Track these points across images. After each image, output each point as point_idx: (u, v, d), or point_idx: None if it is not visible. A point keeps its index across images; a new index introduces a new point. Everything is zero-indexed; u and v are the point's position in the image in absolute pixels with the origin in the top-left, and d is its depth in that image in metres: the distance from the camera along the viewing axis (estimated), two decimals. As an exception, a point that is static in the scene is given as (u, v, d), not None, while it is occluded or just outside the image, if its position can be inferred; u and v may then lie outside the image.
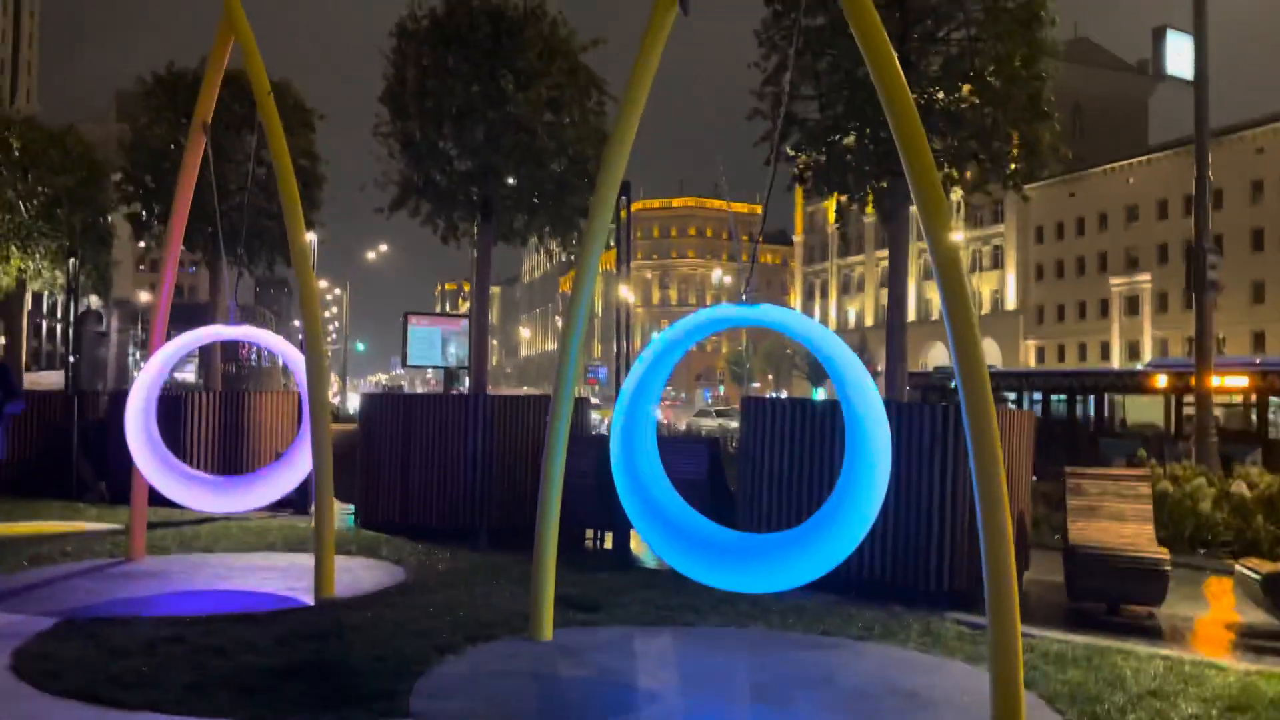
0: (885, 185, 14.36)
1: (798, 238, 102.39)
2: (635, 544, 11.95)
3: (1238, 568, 8.50)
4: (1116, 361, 67.90)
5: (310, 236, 24.58)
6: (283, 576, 9.24)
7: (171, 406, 13.72)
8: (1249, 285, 60.20)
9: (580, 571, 9.48)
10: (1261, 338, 59.47)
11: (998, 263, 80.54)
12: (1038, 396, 28.33)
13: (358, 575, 9.33)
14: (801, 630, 7.50)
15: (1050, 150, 15.39)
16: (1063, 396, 27.85)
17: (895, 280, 13.51)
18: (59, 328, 75.20)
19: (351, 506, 13.18)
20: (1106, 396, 26.90)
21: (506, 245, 16.70)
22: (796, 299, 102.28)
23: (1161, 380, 25.37)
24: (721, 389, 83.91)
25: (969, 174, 15.40)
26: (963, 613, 8.39)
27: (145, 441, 9.40)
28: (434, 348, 34.29)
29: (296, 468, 9.98)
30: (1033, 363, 75.33)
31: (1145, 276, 69.06)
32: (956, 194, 15.87)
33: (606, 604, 8.24)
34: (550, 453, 7.16)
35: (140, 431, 9.32)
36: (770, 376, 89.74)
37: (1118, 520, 9.09)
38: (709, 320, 6.36)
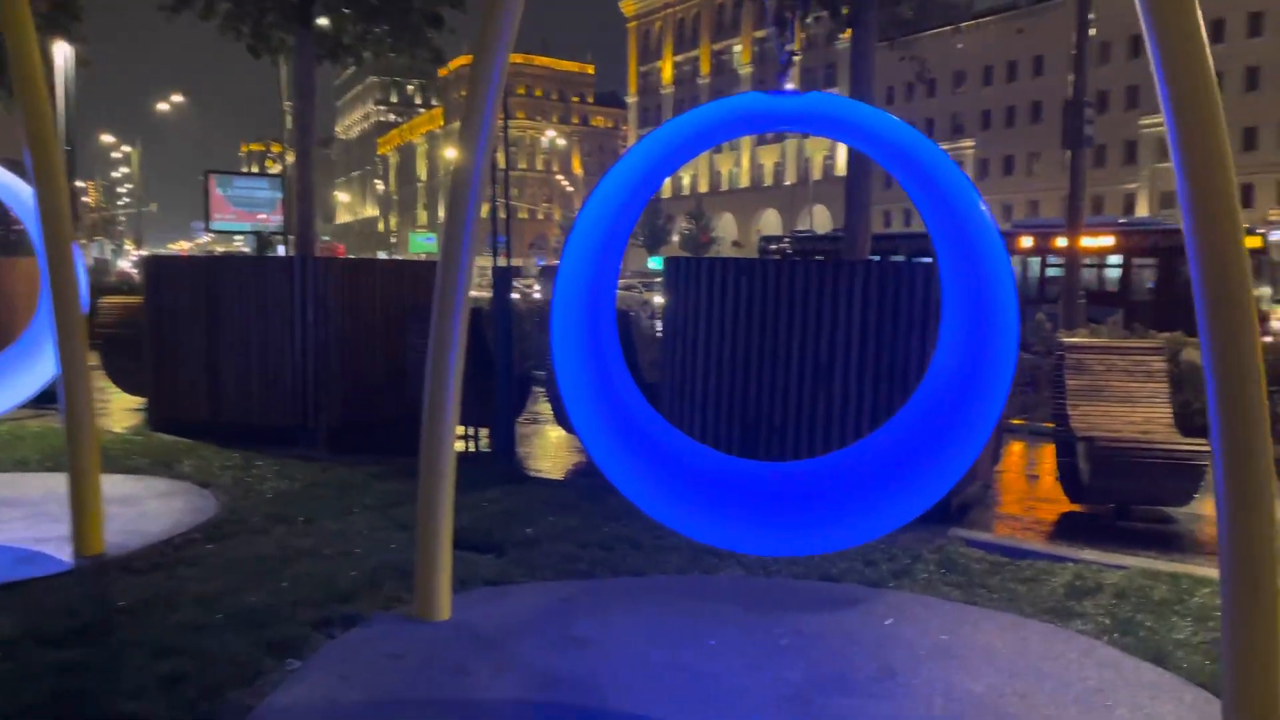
0: None
1: (631, 99, 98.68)
2: (524, 445, 9.65)
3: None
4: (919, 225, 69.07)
5: (62, 50, 19.85)
6: (31, 517, 6.44)
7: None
8: (1060, 152, 61.84)
9: (461, 489, 7.12)
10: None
11: (831, 128, 79.86)
12: (900, 260, 27.33)
13: (146, 510, 6.64)
14: (790, 574, 5.46)
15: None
16: (928, 259, 26.89)
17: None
18: None
19: (144, 401, 10.26)
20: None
21: (334, 65, 13.40)
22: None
23: (1026, 241, 24.71)
24: (539, 261, 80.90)
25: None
26: (962, 529, 6.63)
27: None
28: (253, 204, 30.10)
29: (44, 354, 7.06)
30: (863, 229, 75.82)
31: (969, 143, 70.00)
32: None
33: (510, 541, 5.95)
34: (440, 339, 4.67)
35: None
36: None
37: (1127, 403, 7.45)
38: (728, 117, 3.96)
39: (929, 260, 5.89)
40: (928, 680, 4.03)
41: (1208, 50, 3.17)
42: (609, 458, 4.17)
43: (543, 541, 5.94)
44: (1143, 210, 57.10)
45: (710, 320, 7.41)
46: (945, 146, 70.17)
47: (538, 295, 30.09)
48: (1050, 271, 23.79)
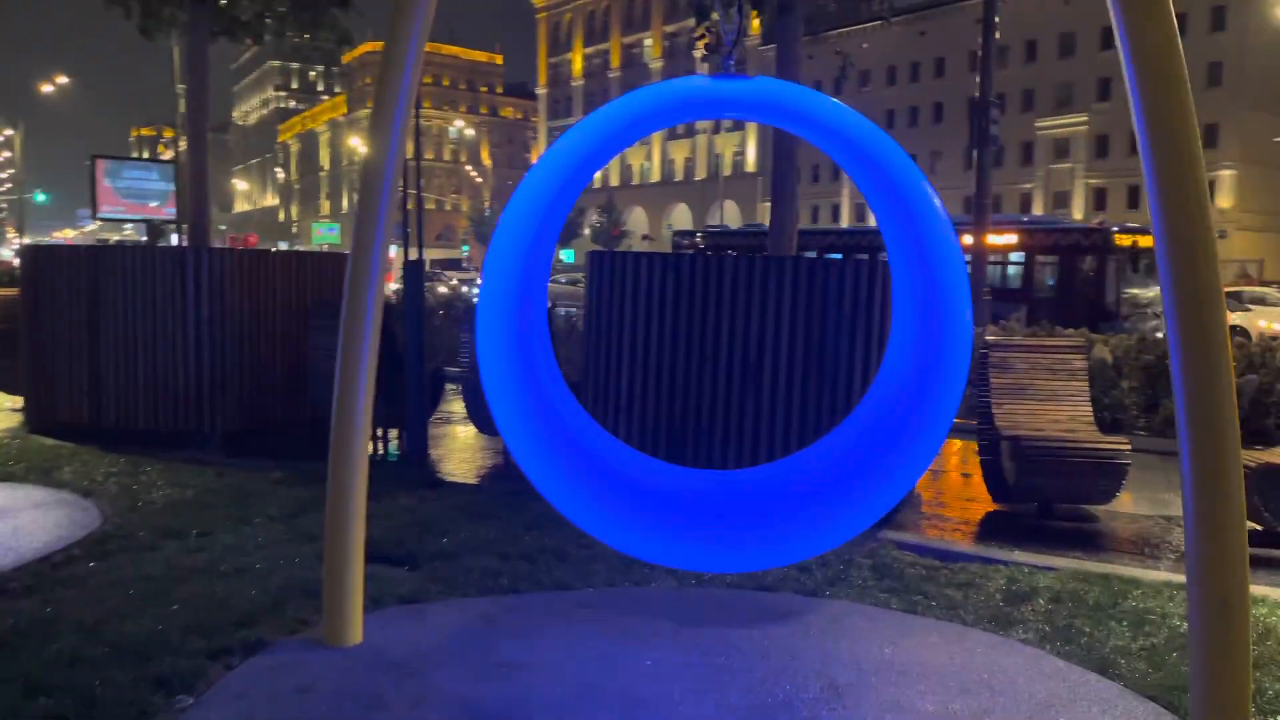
0: None
1: (541, 90, 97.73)
2: (437, 447, 9.21)
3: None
4: (845, 222, 70.22)
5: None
6: (-115, 534, 5.82)
7: None
8: (961, 152, 63.65)
9: (371, 496, 6.70)
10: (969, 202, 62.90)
11: (739, 124, 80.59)
12: (812, 255, 27.52)
13: (20, 523, 6.06)
14: (724, 583, 5.22)
15: None
16: (839, 256, 27.16)
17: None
18: None
19: (19, 402, 9.52)
20: (879, 256, 26.44)
21: (231, 43, 12.61)
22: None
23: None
24: (465, 249, 79.48)
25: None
26: (893, 531, 6.51)
27: None
28: (143, 195, 28.62)
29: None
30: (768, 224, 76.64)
31: (876, 141, 71.23)
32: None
33: (426, 553, 5.58)
34: (351, 336, 4.28)
35: None
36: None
37: (1051, 401, 7.44)
38: (669, 103, 3.67)
39: (840, 256, 5.72)
40: (877, 701, 3.83)
41: (1179, 47, 3.02)
42: (540, 469, 3.87)
43: (461, 553, 5.58)
44: (1038, 209, 58.90)
45: (635, 316, 7.14)
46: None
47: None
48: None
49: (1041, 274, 23.78)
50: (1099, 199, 60.53)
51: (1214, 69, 54.96)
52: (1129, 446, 6.82)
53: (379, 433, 8.94)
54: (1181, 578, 5.67)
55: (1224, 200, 55.58)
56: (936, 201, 3.34)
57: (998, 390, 7.50)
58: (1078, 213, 58.23)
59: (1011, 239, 23.84)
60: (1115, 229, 22.43)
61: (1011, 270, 24.14)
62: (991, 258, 22.38)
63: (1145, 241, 22.62)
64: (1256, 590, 5.39)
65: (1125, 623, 4.75)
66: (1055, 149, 62.78)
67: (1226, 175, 55.32)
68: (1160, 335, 10.89)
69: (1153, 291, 22.76)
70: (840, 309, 6.66)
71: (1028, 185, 61.06)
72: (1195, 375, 3.02)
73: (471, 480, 8.02)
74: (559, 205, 3.95)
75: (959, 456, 9.73)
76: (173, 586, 4.92)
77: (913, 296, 3.77)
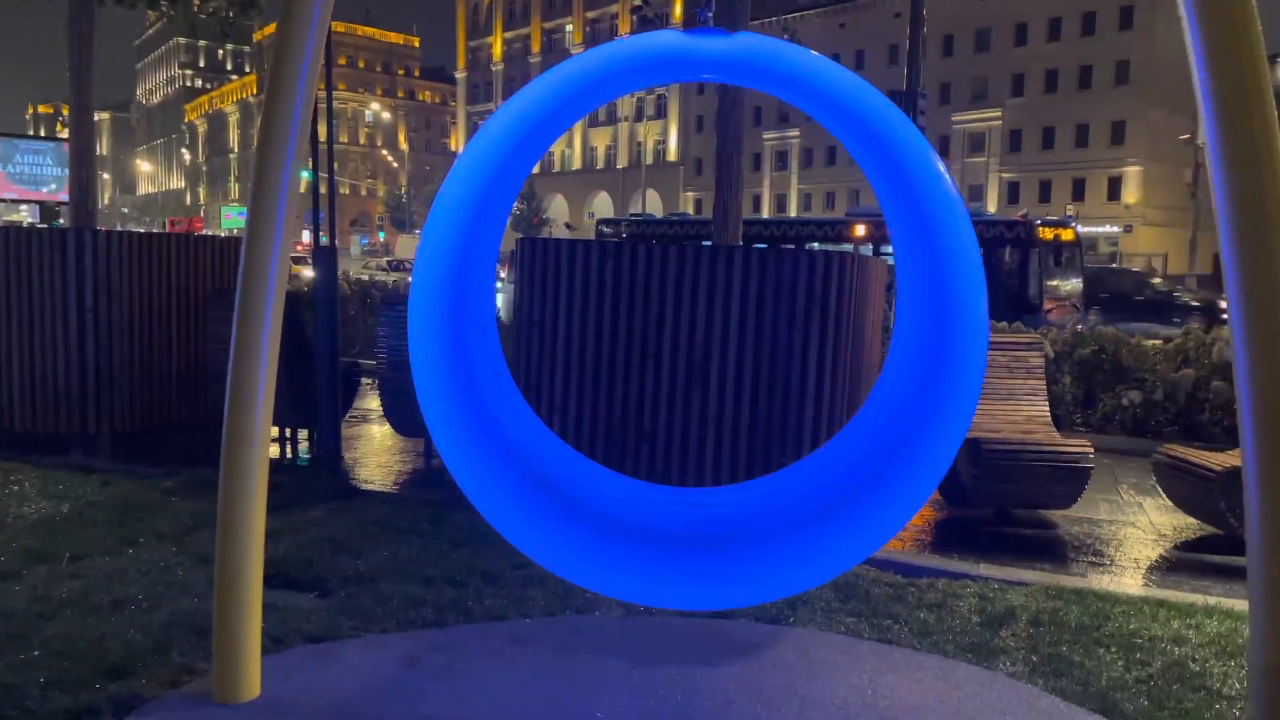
0: None
1: (460, 74, 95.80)
2: (351, 449, 8.48)
3: (1157, 455, 6.84)
4: (766, 213, 70.48)
5: None
6: None
7: None
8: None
9: (276, 509, 6.01)
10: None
11: (661, 112, 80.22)
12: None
13: None
14: (673, 609, 4.69)
15: None
16: (764, 246, 26.89)
17: (726, 98, 9.98)
18: None
19: None
20: (806, 247, 26.26)
21: (120, 7, 11.54)
22: (458, 144, 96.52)
23: (861, 230, 25.01)
24: (381, 235, 77.52)
25: None
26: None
27: None
28: (37, 183, 26.95)
29: None
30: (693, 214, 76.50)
31: (794, 132, 71.61)
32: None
33: (338, 577, 4.93)
34: (247, 325, 3.60)
35: None
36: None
37: (1008, 400, 7.10)
38: (637, 62, 3.09)
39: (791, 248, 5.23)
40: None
41: (1262, 46, 2.58)
42: (482, 487, 3.28)
43: (378, 577, 4.94)
44: (954, 202, 59.76)
45: (570, 309, 6.55)
46: (772, 136, 71.56)
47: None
48: (887, 261, 24.16)
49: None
50: (1012, 193, 61.79)
51: (1121, 67, 56.59)
52: (1092, 450, 6.50)
53: (287, 434, 8.19)
54: (1159, 593, 5.35)
55: (1130, 196, 57.20)
56: (948, 181, 2.86)
57: (952, 389, 7.12)
58: (992, 206, 59.27)
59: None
60: (1039, 222, 22.56)
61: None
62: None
63: (1067, 235, 22.84)
64: (1234, 604, 5.10)
65: (1114, 649, 4.36)
66: (970, 143, 63.85)
67: (1133, 171, 56.93)
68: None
69: (1070, 285, 23.03)
70: (794, 303, 6.17)
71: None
72: (1262, 379, 2.58)
73: (390, 488, 7.35)
74: (507, 180, 3.36)
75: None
76: (36, 626, 4.19)
77: (918, 290, 3.29)
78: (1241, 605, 5.06)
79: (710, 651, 4.19)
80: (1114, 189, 58.10)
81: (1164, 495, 6.98)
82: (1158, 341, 11.33)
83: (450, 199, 3.12)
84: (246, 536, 3.64)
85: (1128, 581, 5.74)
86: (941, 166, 2.89)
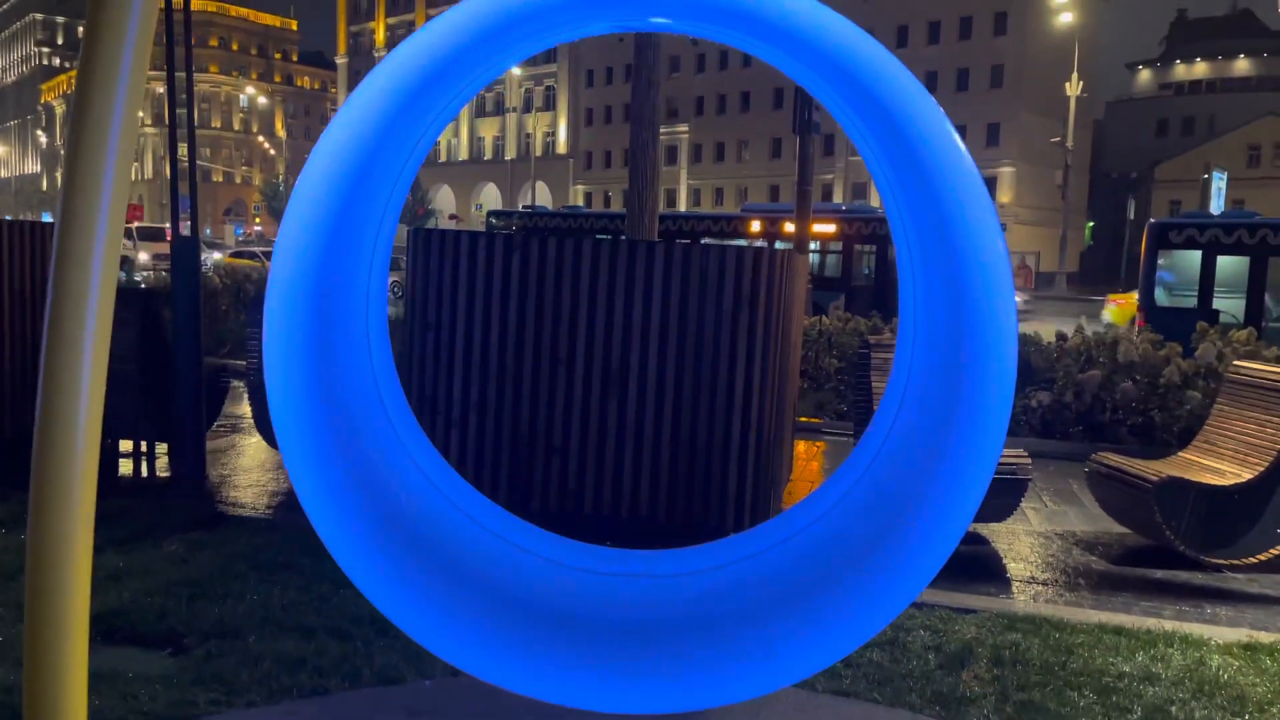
0: None
1: (340, 60, 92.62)
2: (219, 465, 7.53)
3: (1091, 463, 6.55)
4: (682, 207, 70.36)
5: None
6: None
7: None
8: (769, 141, 66.07)
9: (123, 542, 5.14)
10: (778, 190, 64.33)
11: (550, 104, 79.20)
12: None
13: None
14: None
15: None
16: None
17: (641, 80, 9.32)
18: None
19: None
20: (700, 243, 25.91)
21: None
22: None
23: (756, 225, 24.79)
24: (258, 225, 74.29)
25: None
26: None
27: None
28: None
29: None
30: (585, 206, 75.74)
31: (683, 127, 71.64)
32: None
33: (197, 630, 4.13)
34: (62, 323, 2.80)
35: None
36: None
37: (938, 408, 6.70)
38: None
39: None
40: None
41: None
42: (351, 551, 2.59)
43: (246, 629, 4.16)
44: (838, 199, 60.76)
45: (471, 309, 5.85)
46: (662, 132, 70.96)
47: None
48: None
49: (859, 262, 23.87)
50: (896, 192, 63.09)
51: (996, 71, 58.48)
52: (1030, 461, 6.16)
53: (142, 449, 7.23)
54: (1114, 617, 5.00)
55: (1004, 195, 59.06)
56: (966, 158, 2.32)
57: (880, 395, 6.70)
58: (874, 202, 60.44)
59: (831, 228, 23.79)
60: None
61: (830, 259, 24.12)
62: (813, 246, 22.25)
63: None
64: (1191, 628, 4.79)
65: (1088, 691, 3.94)
66: (852, 143, 65.05)
67: (1006, 172, 58.79)
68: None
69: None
70: (721, 302, 5.62)
71: (829, 176, 62.83)
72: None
73: (263, 511, 6.49)
74: (404, 142, 2.66)
75: (833, 465, 8.99)
76: None
77: (927, 293, 2.75)
78: (1198, 631, 4.76)
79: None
80: (989, 189, 59.93)
81: (1087, 502, 6.72)
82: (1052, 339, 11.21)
83: (324, 162, 2.42)
84: (63, 591, 2.83)
85: (1078, 606, 5.39)
86: (959, 144, 2.36)
